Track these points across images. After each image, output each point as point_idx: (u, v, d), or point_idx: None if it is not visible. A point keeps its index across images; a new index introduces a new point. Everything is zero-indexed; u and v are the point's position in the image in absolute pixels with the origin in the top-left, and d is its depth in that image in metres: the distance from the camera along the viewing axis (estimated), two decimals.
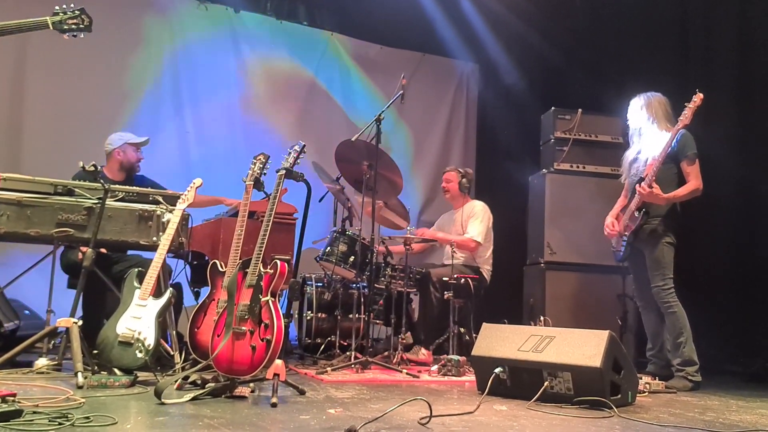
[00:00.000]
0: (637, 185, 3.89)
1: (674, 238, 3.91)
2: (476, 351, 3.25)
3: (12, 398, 2.07)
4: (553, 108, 5.35)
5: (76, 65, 5.50)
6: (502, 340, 3.19)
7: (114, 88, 5.67)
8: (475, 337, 3.58)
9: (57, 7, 2.60)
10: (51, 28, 2.57)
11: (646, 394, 3.43)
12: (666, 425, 2.55)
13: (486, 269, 4.91)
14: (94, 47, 5.52)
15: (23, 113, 5.35)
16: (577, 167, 5.22)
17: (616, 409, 2.74)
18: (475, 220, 4.87)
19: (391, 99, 4.35)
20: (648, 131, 4.05)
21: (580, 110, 5.27)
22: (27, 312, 4.21)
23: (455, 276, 4.43)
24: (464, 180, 5.04)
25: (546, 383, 2.94)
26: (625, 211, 4.06)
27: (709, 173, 3.92)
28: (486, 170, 6.99)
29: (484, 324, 3.36)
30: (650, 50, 5.55)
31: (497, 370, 3.03)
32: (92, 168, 3.31)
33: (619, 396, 2.91)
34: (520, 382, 3.03)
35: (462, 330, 4.56)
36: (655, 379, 3.68)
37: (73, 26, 2.64)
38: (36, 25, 2.51)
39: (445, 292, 4.39)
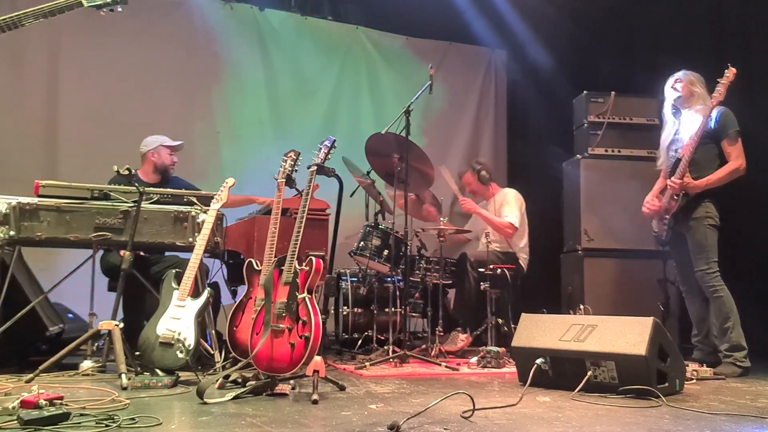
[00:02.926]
0: (668, 180, 3.80)
1: (717, 220, 3.80)
2: (516, 342, 3.21)
3: (59, 401, 2.10)
4: (585, 92, 5.24)
5: (107, 70, 5.58)
6: (542, 330, 3.14)
7: (145, 91, 5.73)
8: (514, 328, 3.54)
9: None
10: (85, 5, 2.48)
11: (694, 381, 3.34)
12: (717, 413, 2.48)
13: (522, 257, 4.85)
14: (125, 50, 5.62)
15: (58, 120, 5.45)
16: (613, 151, 5.10)
17: (663, 398, 2.67)
18: (509, 207, 4.82)
19: (419, 90, 4.30)
20: (684, 110, 3.94)
21: (613, 93, 5.14)
22: (70, 315, 4.29)
23: (491, 266, 4.38)
24: (482, 173, 5.00)
25: (589, 373, 2.88)
26: (665, 192, 3.95)
27: (751, 152, 3.79)
28: (518, 157, 6.90)
29: (522, 314, 3.32)
30: (684, 27, 5.39)
31: (538, 360, 2.99)
32: (127, 172, 3.35)
33: (666, 384, 2.84)
34: (563, 372, 2.97)
35: (500, 321, 4.51)
36: (702, 365, 3.58)
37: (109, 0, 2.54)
38: (69, 5, 2.43)
39: (482, 283, 4.34)
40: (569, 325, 3.08)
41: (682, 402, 2.70)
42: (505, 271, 4.45)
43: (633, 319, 2.92)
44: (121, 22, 5.41)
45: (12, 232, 3.27)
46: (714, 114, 3.74)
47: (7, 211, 3.26)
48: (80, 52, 5.46)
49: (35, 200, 3.35)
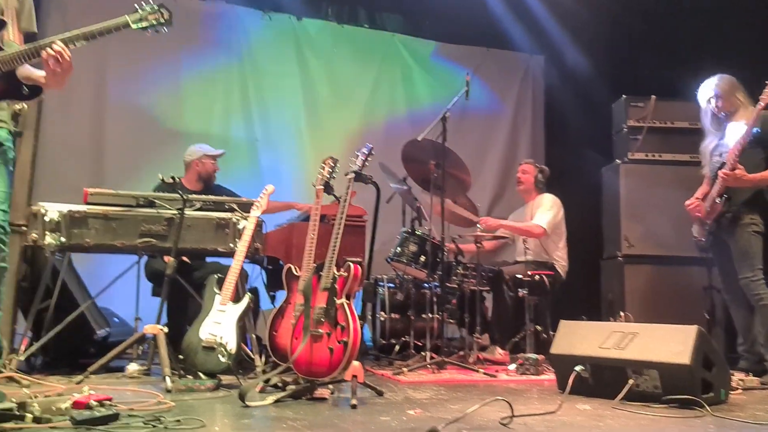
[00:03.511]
0: (720, 171, 3.71)
1: (762, 227, 3.70)
2: (555, 349, 3.18)
3: (109, 402, 2.17)
4: (624, 96, 5.18)
5: (151, 80, 5.74)
6: (581, 338, 3.11)
7: (186, 100, 5.88)
8: (553, 335, 3.51)
9: (136, 5, 2.62)
10: (132, 26, 2.58)
11: (740, 391, 3.25)
12: (763, 423, 2.42)
13: (560, 264, 4.80)
14: (168, 61, 5.77)
15: (104, 130, 5.62)
16: (653, 156, 5.03)
17: (708, 408, 2.61)
18: (542, 209, 4.78)
19: (455, 96, 4.31)
20: (726, 116, 3.85)
21: (653, 97, 5.07)
22: (116, 319, 4.42)
23: (529, 273, 4.35)
24: (540, 175, 4.96)
25: (631, 381, 2.84)
26: (707, 198, 3.87)
27: None
28: (556, 163, 6.79)
29: (561, 321, 3.29)
30: (726, 28, 5.27)
31: (578, 368, 2.95)
32: (171, 180, 3.45)
33: (711, 394, 2.78)
34: (603, 380, 2.94)
35: (538, 328, 4.47)
36: (748, 375, 3.49)
37: (154, 21, 2.63)
38: (117, 26, 2.53)
39: (519, 290, 4.32)
40: (609, 333, 3.05)
41: (728, 412, 2.65)
42: (543, 277, 4.42)
43: (676, 327, 2.87)
44: (165, 33, 5.59)
45: (63, 239, 3.39)
46: (761, 118, 3.66)
47: (59, 218, 3.39)
48: (126, 63, 5.62)
49: (84, 208, 3.47)
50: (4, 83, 2.32)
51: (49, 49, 2.33)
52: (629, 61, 6.17)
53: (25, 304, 3.59)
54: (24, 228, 3.48)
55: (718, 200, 3.74)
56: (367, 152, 3.55)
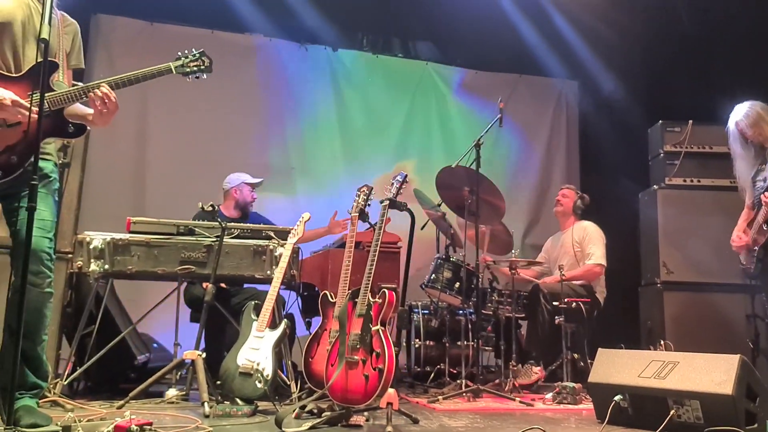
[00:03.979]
0: (763, 195, 3.63)
1: None
2: (593, 377, 3.13)
3: (149, 426, 2.21)
4: (660, 121, 5.13)
5: (191, 111, 5.93)
6: (620, 366, 3.05)
7: (225, 130, 6.05)
8: (591, 363, 3.46)
9: (179, 53, 2.75)
10: (174, 72, 2.70)
11: None
12: None
13: (600, 291, 4.73)
14: (207, 93, 5.94)
15: (146, 160, 5.82)
16: (691, 181, 4.95)
17: None
18: (594, 244, 4.72)
19: (489, 123, 4.34)
20: (761, 146, 3.78)
21: (690, 121, 5.01)
22: (155, 345, 4.51)
23: (566, 300, 4.30)
24: (579, 201, 4.93)
25: (672, 412, 2.77)
26: (752, 225, 3.79)
27: None
28: (591, 189, 6.72)
29: (599, 349, 3.24)
30: (763, 51, 5.20)
31: (617, 397, 2.90)
32: (210, 208, 3.54)
33: (756, 426, 2.69)
34: (643, 410, 2.87)
35: (576, 356, 4.40)
36: None
37: (195, 68, 2.75)
38: (160, 72, 2.66)
39: (556, 317, 4.26)
40: (649, 361, 2.99)
41: None
42: (581, 304, 4.36)
43: (718, 357, 2.80)
44: (212, 60, 5.78)
45: (106, 266, 3.50)
46: None
47: (103, 246, 3.50)
48: (167, 95, 5.82)
49: (127, 236, 3.58)
50: (52, 121, 2.44)
51: (97, 91, 2.46)
52: (665, 86, 6.12)
53: (70, 329, 3.69)
54: (70, 255, 3.60)
55: (765, 226, 3.66)
56: (401, 180, 3.58)
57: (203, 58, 2.76)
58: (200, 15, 5.96)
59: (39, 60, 2.21)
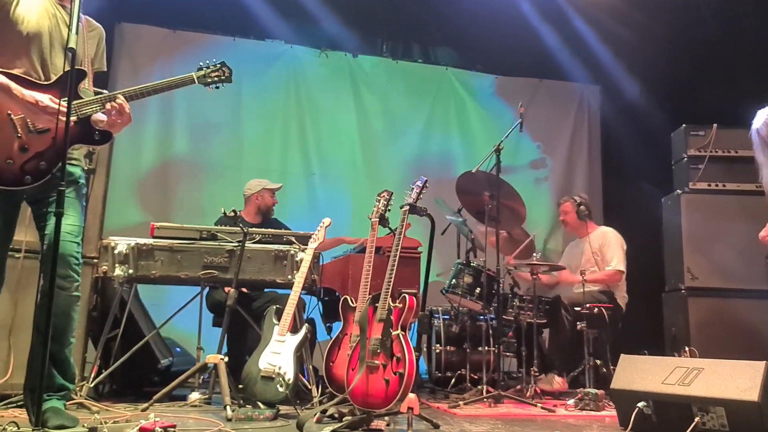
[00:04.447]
0: None
1: None
2: (616, 384, 3.10)
3: (173, 429, 2.24)
4: (684, 125, 5.07)
5: (213, 118, 6.00)
6: (643, 373, 3.02)
7: (246, 136, 6.12)
8: (613, 369, 3.42)
9: (201, 63, 2.82)
10: (196, 82, 2.78)
11: None
12: None
13: (621, 296, 4.69)
14: (229, 99, 6.02)
15: (170, 166, 5.91)
16: (716, 185, 4.88)
17: None
18: (612, 250, 4.69)
19: (509, 128, 4.33)
20: None
21: (715, 125, 4.95)
22: (179, 349, 4.55)
23: (587, 305, 4.27)
24: (581, 207, 4.88)
25: (697, 419, 2.73)
26: None
27: None
28: (614, 193, 6.72)
29: (622, 355, 3.20)
30: None
31: (640, 404, 2.87)
32: (232, 213, 3.59)
33: None
34: (667, 417, 2.84)
35: (598, 362, 4.36)
36: None
37: (216, 78, 2.83)
38: (183, 82, 2.74)
39: (578, 323, 4.23)
40: (673, 368, 2.95)
41: None
42: (602, 310, 4.32)
43: (743, 363, 2.76)
44: (232, 70, 5.86)
45: (131, 270, 3.55)
46: None
47: (127, 251, 3.55)
48: (189, 102, 5.90)
49: (151, 241, 3.63)
50: (80, 128, 2.50)
51: (114, 102, 2.51)
52: (688, 89, 6.04)
53: (95, 333, 3.75)
54: (95, 260, 3.66)
55: None
56: (421, 185, 3.59)
57: (223, 69, 2.83)
58: (222, 23, 6.04)
59: (67, 69, 2.26)
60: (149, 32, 5.97)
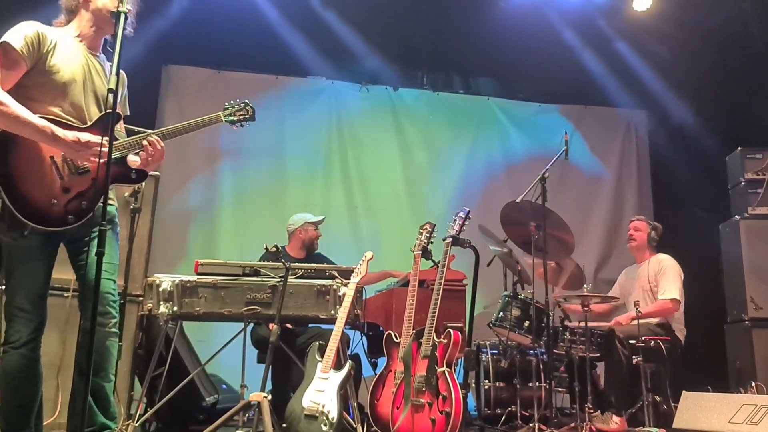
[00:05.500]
0: None
1: None
2: (678, 423, 2.93)
3: None
4: (739, 148, 4.87)
5: (258, 154, 6.10)
6: (707, 411, 2.85)
7: (290, 172, 6.17)
8: (674, 407, 3.24)
9: (226, 103, 2.97)
10: (223, 121, 2.92)
11: None
12: None
13: (679, 329, 4.46)
14: (272, 136, 6.11)
15: (214, 203, 6.00)
16: None
17: None
18: (668, 279, 4.47)
19: (554, 156, 4.24)
20: None
21: None
22: (224, 386, 4.54)
23: (643, 338, 4.07)
24: (653, 233, 4.71)
25: None
26: None
27: None
28: (666, 220, 6.40)
29: (684, 392, 3.04)
30: None
31: None
32: (275, 249, 3.57)
33: None
34: None
35: (657, 398, 4.13)
36: None
37: (241, 117, 2.97)
38: (210, 121, 2.86)
39: (634, 357, 4.03)
40: (740, 405, 2.77)
41: None
42: (660, 343, 4.12)
43: None
44: (270, 110, 5.98)
45: (175, 308, 3.56)
46: None
47: (171, 288, 3.57)
48: (234, 140, 6.01)
49: (194, 278, 3.64)
50: (118, 168, 2.57)
51: (147, 140, 2.61)
52: (741, 111, 5.83)
53: (141, 370, 3.76)
54: (140, 298, 3.70)
55: None
56: (464, 216, 3.53)
57: (247, 108, 2.97)
58: (265, 61, 6.17)
59: (102, 111, 2.32)
60: (194, 73, 6.13)
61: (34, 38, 2.46)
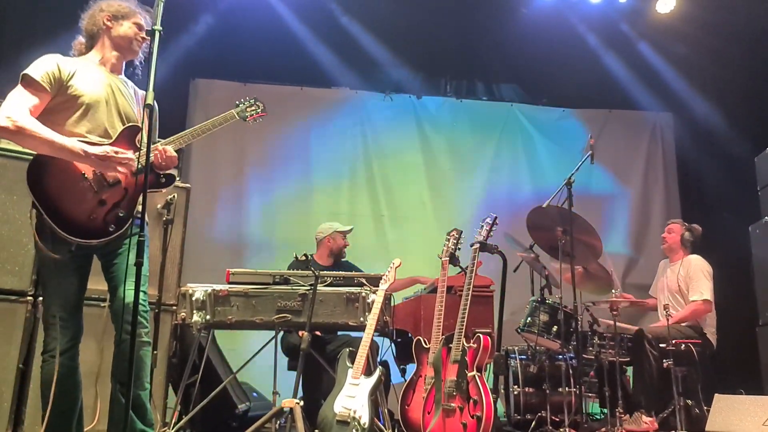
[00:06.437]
0: None
1: None
2: (711, 426, 2.90)
3: None
4: None
5: (284, 164, 6.19)
6: (740, 414, 2.82)
7: (316, 182, 6.25)
8: (707, 410, 3.21)
9: (237, 101, 3.08)
10: (237, 117, 3.01)
11: None
12: None
13: (710, 332, 4.41)
14: (298, 147, 6.21)
15: (242, 214, 6.10)
16: None
17: None
18: (697, 279, 4.45)
19: (580, 161, 4.24)
20: None
21: None
22: (255, 394, 4.59)
23: (674, 341, 4.04)
24: (687, 234, 4.70)
25: None
26: None
27: None
28: (694, 222, 6.38)
29: (717, 395, 3.01)
30: None
31: None
32: (303, 257, 3.63)
33: None
34: None
35: (689, 402, 4.09)
36: None
37: (251, 112, 3.06)
38: (225, 120, 2.96)
39: (664, 360, 4.00)
40: None
41: None
42: (691, 346, 4.08)
43: None
44: (296, 120, 6.08)
45: (208, 317, 3.63)
46: None
47: (204, 297, 3.64)
48: (261, 152, 6.12)
49: (226, 287, 3.71)
50: (149, 175, 2.64)
51: (158, 147, 2.74)
52: None
53: (175, 379, 3.84)
54: (174, 307, 3.78)
55: None
56: (491, 222, 3.55)
57: (257, 103, 3.07)
58: (290, 73, 6.27)
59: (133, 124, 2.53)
60: (222, 86, 6.25)
61: (54, 68, 2.59)
